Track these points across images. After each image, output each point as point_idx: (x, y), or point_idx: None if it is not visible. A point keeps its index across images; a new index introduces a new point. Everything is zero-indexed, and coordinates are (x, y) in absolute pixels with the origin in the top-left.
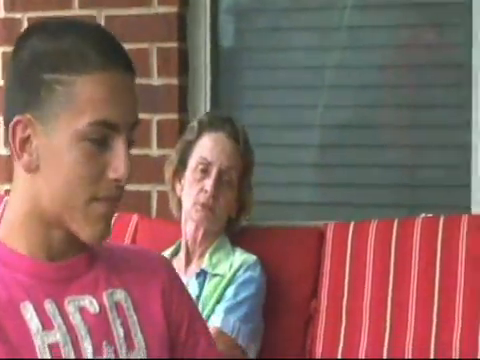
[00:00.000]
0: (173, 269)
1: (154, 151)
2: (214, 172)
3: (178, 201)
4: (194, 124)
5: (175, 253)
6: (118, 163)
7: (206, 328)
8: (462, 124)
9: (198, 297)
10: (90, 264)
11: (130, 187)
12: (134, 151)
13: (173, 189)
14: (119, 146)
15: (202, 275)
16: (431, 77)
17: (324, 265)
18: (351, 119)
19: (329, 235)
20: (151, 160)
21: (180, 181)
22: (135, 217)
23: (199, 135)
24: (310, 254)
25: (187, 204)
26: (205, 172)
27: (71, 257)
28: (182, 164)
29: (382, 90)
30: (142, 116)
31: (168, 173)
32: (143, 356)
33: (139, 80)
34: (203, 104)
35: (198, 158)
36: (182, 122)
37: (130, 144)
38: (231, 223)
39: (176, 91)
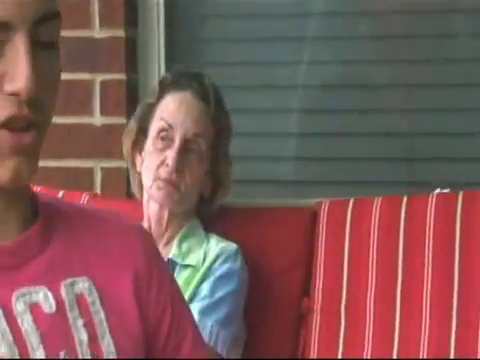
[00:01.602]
0: (153, 243)
1: (97, 119)
2: (177, 140)
3: (140, 179)
4: (155, 84)
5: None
6: (15, 70)
7: (192, 321)
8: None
9: None
10: (44, 241)
11: (68, 163)
12: (72, 120)
13: (133, 164)
14: (16, 48)
15: (170, 266)
16: (445, 25)
17: (317, 253)
18: (340, 77)
19: (323, 216)
20: (93, 130)
21: (141, 154)
22: (85, 196)
23: (161, 96)
24: (300, 240)
25: (147, 180)
26: (167, 141)
27: (16, 233)
28: (142, 133)
29: (379, 42)
30: (82, 77)
31: (126, 145)
32: None
33: (78, 32)
34: (156, 61)
35: (158, 124)
36: (131, 84)
37: (43, 45)
38: (204, 203)
39: (123, 46)
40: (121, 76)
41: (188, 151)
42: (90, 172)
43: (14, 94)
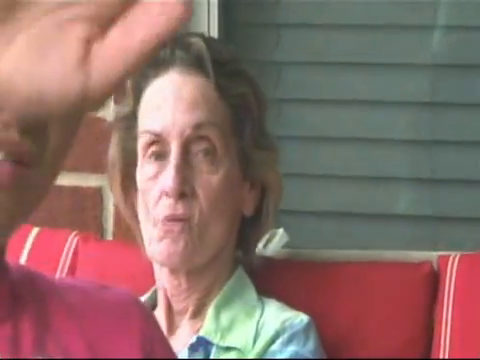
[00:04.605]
0: (151, 317)
1: (109, 110)
2: (173, 148)
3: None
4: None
5: (150, 308)
6: None
7: None
8: None
9: None
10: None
11: (60, 180)
12: None
13: (136, 219)
14: None
15: (201, 348)
16: None
17: (441, 331)
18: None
19: (451, 276)
20: (103, 128)
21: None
22: (73, 237)
23: (138, 97)
24: (413, 311)
25: (145, 235)
26: (162, 158)
27: None
28: (133, 164)
29: None
30: None
31: (116, 193)
32: None
33: None
34: (205, 19)
35: (143, 140)
36: None
37: None
38: (248, 229)
39: None
40: None
41: (195, 157)
42: (95, 193)
43: None
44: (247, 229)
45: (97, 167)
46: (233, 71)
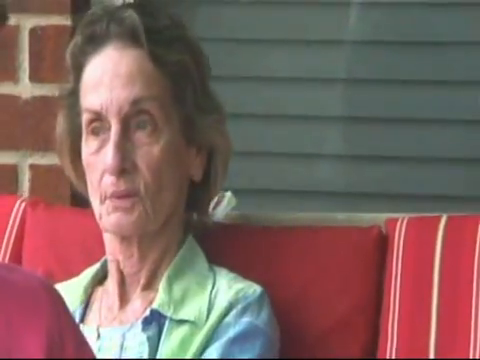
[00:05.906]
0: (61, 304)
1: (24, 88)
2: (113, 125)
3: None
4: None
5: (99, 278)
6: None
7: None
8: None
9: None
10: None
11: None
12: None
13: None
14: None
15: (155, 322)
16: None
17: (390, 296)
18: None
19: (399, 239)
20: (18, 106)
21: None
22: (20, 202)
23: (78, 74)
24: (363, 275)
25: (95, 209)
26: (104, 135)
27: None
28: (79, 142)
29: None
30: None
31: (67, 168)
32: None
33: None
34: None
35: (84, 117)
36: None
37: None
38: (197, 194)
39: None
40: (62, 20)
41: (135, 130)
42: (13, 171)
43: None
44: (198, 193)
45: (12, 144)
46: (170, 38)
